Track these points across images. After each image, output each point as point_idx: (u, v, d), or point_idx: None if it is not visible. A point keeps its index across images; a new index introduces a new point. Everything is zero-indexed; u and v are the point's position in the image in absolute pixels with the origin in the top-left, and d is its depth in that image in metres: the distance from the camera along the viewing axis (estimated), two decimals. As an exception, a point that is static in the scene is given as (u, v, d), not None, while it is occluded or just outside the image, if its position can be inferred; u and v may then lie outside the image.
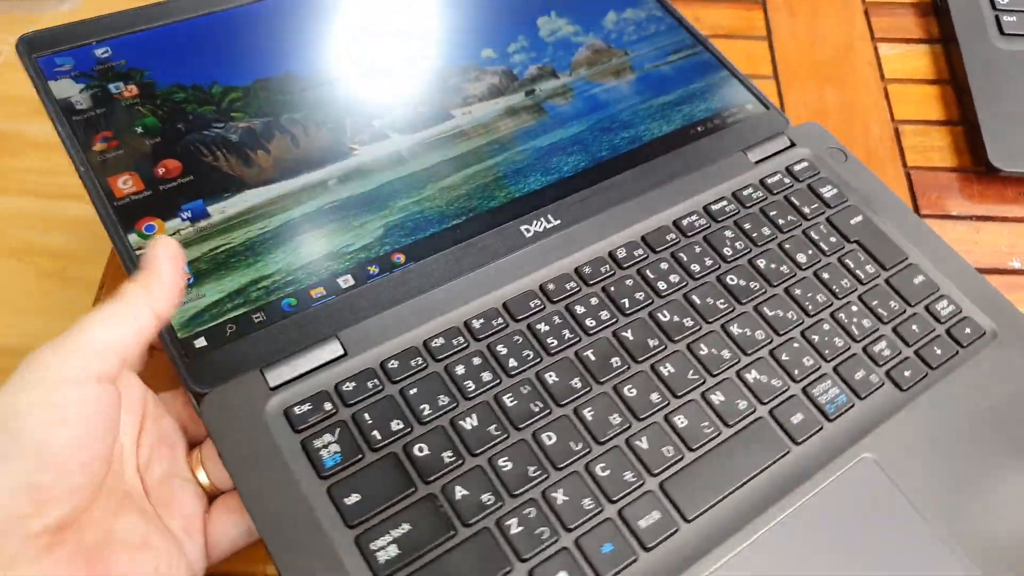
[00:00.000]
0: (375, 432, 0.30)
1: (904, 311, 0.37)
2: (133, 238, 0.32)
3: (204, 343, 0.31)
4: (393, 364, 0.32)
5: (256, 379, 0.31)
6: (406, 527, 0.28)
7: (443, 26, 0.41)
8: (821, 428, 0.33)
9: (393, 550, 0.27)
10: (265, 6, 0.38)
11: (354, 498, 0.28)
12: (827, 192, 0.40)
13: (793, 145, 0.42)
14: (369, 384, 0.31)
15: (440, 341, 0.33)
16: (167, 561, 0.27)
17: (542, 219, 0.37)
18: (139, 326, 0.27)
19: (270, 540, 0.27)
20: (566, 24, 0.43)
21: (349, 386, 0.31)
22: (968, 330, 0.36)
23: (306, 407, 0.30)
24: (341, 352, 0.32)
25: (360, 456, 0.29)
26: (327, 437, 0.30)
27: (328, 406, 0.30)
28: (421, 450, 0.30)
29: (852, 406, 0.33)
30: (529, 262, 0.36)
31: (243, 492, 0.28)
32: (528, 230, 0.36)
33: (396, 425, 0.30)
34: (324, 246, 0.34)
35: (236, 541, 0.30)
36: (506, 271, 0.35)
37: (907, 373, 0.35)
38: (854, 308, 0.36)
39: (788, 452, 0.32)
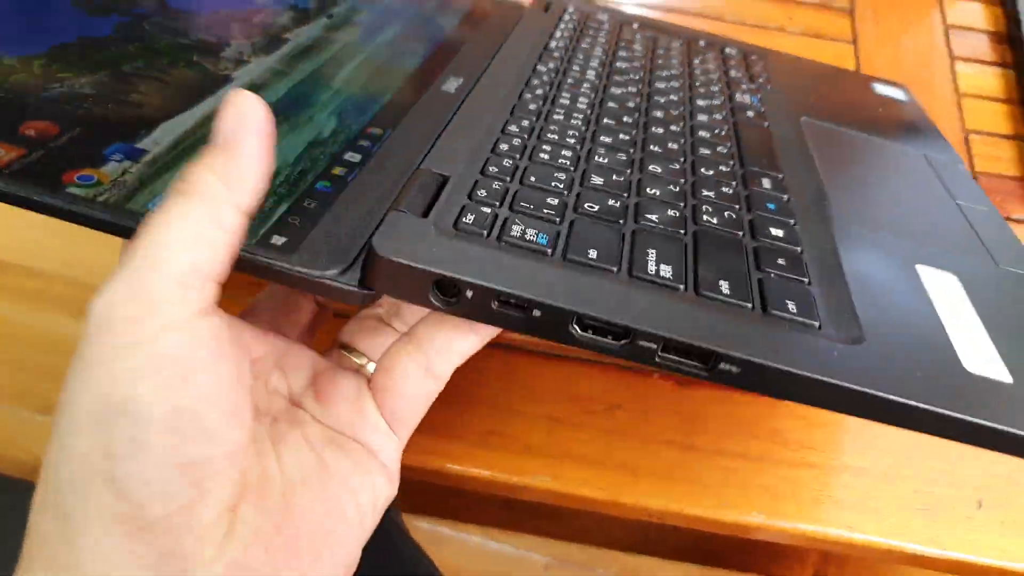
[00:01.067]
0: (547, 199, 0.29)
1: None
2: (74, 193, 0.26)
3: (285, 239, 0.25)
4: (503, 146, 0.32)
5: (403, 222, 0.25)
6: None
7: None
8: (766, 112, 0.41)
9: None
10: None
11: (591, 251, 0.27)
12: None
13: (549, 5, 0.50)
14: (497, 176, 0.30)
15: (513, 127, 0.34)
16: (359, 470, 0.23)
17: (450, 80, 0.39)
18: (226, 235, 0.20)
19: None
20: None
21: (483, 190, 0.28)
22: (754, 55, 0.48)
23: (472, 215, 0.27)
24: (442, 176, 0.29)
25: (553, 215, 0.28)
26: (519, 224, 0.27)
27: (489, 210, 0.27)
28: (595, 189, 0.31)
29: (763, 97, 0.43)
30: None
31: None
32: (449, 88, 0.38)
33: (556, 186, 0.30)
34: (299, 140, 0.32)
35: (420, 389, 0.25)
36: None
37: (761, 79, 0.46)
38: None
39: (771, 132, 0.39)
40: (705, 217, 0.30)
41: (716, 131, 0.38)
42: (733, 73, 0.46)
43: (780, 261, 0.28)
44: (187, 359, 0.19)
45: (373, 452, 0.25)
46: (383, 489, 0.24)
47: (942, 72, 0.54)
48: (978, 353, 0.26)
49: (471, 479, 0.36)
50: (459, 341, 0.26)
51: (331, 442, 0.24)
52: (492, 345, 0.39)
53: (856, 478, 0.36)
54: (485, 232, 0.26)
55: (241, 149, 0.21)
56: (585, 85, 0.40)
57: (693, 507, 0.35)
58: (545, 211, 0.28)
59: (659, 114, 0.39)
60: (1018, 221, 0.47)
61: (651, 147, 0.35)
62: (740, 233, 0.30)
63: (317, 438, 0.24)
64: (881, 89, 0.48)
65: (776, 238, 0.30)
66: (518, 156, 0.32)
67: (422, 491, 0.88)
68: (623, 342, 0.24)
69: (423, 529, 0.86)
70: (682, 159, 0.35)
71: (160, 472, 0.18)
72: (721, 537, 0.81)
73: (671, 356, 0.24)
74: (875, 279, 0.29)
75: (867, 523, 0.35)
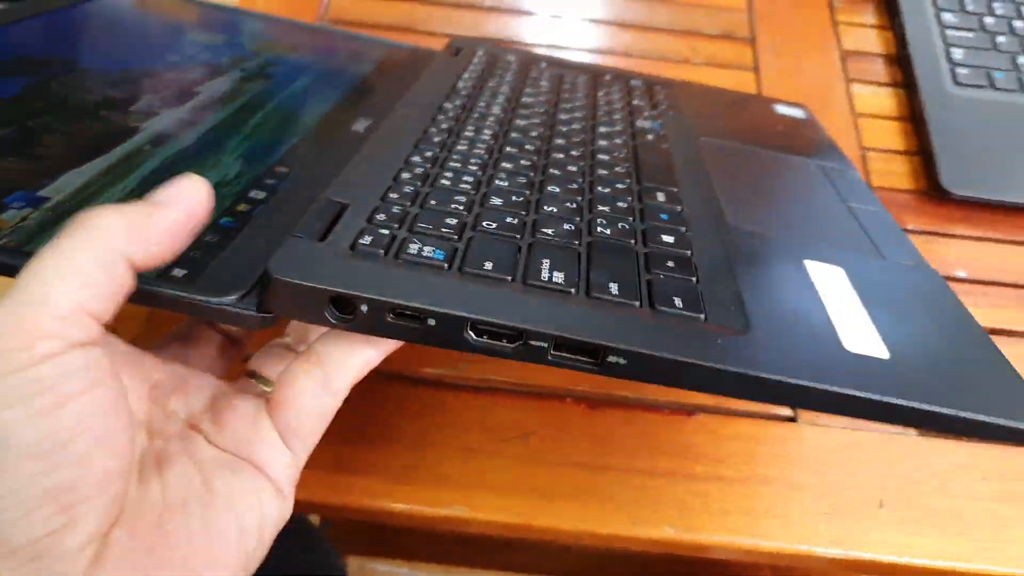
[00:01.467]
0: (445, 219, 0.30)
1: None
2: None
3: (185, 271, 0.26)
4: (405, 175, 0.33)
5: (300, 246, 0.26)
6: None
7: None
8: (666, 135, 0.43)
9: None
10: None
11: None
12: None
13: (459, 51, 0.51)
14: (397, 201, 0.31)
15: (416, 158, 0.35)
16: (246, 490, 0.23)
17: (359, 121, 0.41)
18: (111, 282, 0.20)
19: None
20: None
21: (382, 214, 0.30)
22: (657, 86, 0.51)
23: (369, 237, 0.27)
24: (341, 204, 0.30)
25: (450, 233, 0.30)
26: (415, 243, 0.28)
27: (387, 231, 0.28)
28: (493, 209, 0.32)
29: (663, 122, 0.45)
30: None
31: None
32: (358, 129, 0.40)
33: (455, 208, 0.31)
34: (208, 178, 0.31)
35: (317, 404, 0.25)
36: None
37: (663, 106, 0.48)
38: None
39: (671, 152, 0.42)
40: (599, 229, 0.32)
41: (615, 154, 0.40)
42: (636, 102, 0.48)
43: (669, 263, 0.30)
44: (60, 388, 0.19)
45: (262, 467, 0.25)
46: (272, 508, 0.24)
47: (839, 94, 0.57)
48: (859, 335, 0.28)
49: (392, 514, 0.36)
50: (356, 356, 0.26)
51: (222, 464, 0.24)
52: (408, 381, 0.40)
53: (764, 487, 0.38)
54: (382, 252, 0.27)
55: (164, 214, 0.22)
56: (490, 119, 0.42)
57: (606, 526, 0.36)
58: (443, 230, 0.29)
59: (561, 141, 0.40)
60: (912, 232, 0.49)
61: (551, 171, 0.37)
62: (632, 241, 0.31)
63: (208, 460, 0.24)
64: (782, 109, 0.51)
65: (667, 244, 0.32)
66: (419, 184, 0.33)
67: (374, 532, 0.88)
68: (516, 344, 0.25)
69: (380, 571, 0.86)
70: (581, 179, 0.36)
71: (25, 498, 0.18)
72: (675, 560, 0.82)
73: (563, 354, 0.25)
74: (764, 275, 0.31)
75: (775, 530, 0.37)
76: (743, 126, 0.48)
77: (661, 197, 0.36)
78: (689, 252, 0.31)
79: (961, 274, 0.47)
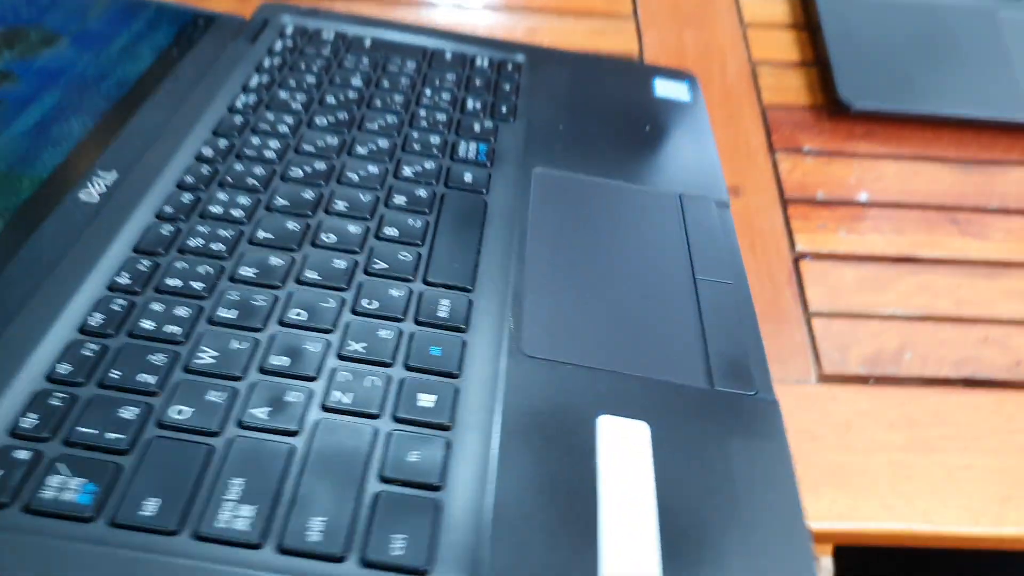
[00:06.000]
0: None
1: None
2: None
3: None
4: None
5: None
6: None
7: None
8: (490, 174, 0.36)
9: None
10: None
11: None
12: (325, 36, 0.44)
13: (265, 23, 0.44)
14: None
15: (98, 318, 0.27)
16: None
17: (95, 179, 0.33)
18: None
19: None
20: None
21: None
22: (509, 66, 0.43)
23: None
24: None
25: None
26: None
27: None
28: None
29: (495, 142, 0.39)
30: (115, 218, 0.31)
31: None
32: (90, 194, 0.32)
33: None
34: None
35: None
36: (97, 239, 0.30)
37: (504, 109, 0.41)
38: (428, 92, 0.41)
39: (486, 202, 0.35)
40: (317, 440, 0.24)
41: (409, 223, 0.33)
42: (472, 103, 0.41)
43: (406, 491, 0.24)
44: None
45: None
46: None
47: (725, 2, 0.51)
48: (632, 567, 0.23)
49: None
50: None
51: None
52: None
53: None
54: None
55: None
56: (256, 174, 0.35)
57: None
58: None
59: (342, 206, 0.33)
60: (809, 153, 0.44)
61: (306, 273, 0.30)
62: (369, 442, 0.25)
63: None
64: (662, 88, 0.43)
65: (412, 465, 0.24)
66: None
67: None
68: None
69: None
70: (343, 284, 0.30)
71: None
72: None
73: None
74: (524, 466, 0.25)
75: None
76: (600, 131, 0.41)
77: (443, 312, 0.30)
78: (438, 494, 0.24)
79: (862, 197, 0.42)
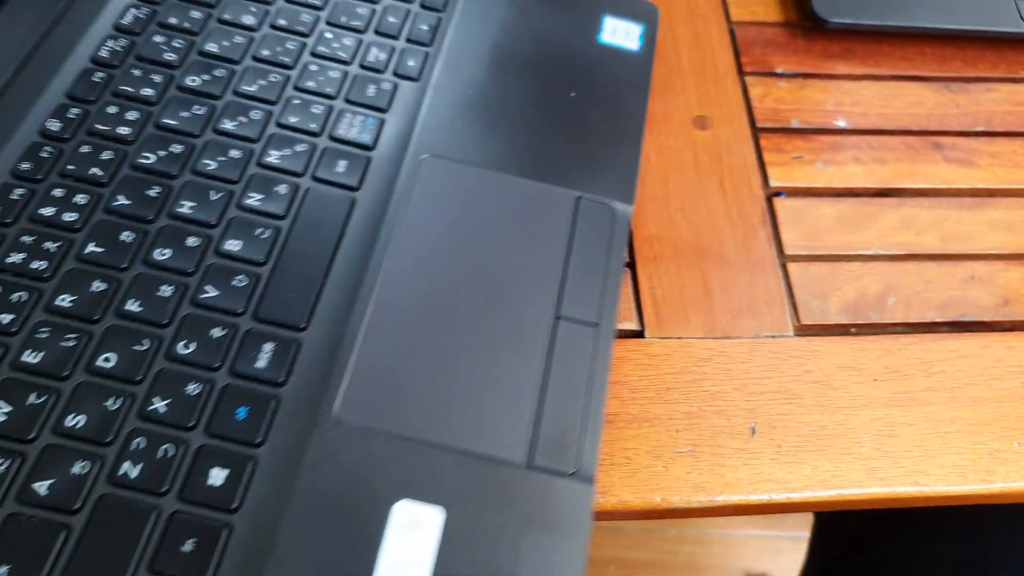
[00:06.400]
0: None
1: (373, 11, 0.36)
2: None
3: None
4: None
5: None
6: None
7: None
8: (370, 160, 0.32)
9: None
10: None
11: None
12: None
13: None
14: None
15: None
16: None
17: None
18: None
19: None
20: None
21: None
22: None
23: None
24: None
25: None
26: None
27: None
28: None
29: (384, 122, 0.33)
30: None
31: None
32: None
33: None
34: None
35: None
36: None
37: (411, 63, 0.35)
38: (328, 36, 0.35)
39: (355, 201, 0.30)
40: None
41: (258, 233, 0.29)
42: (373, 55, 0.35)
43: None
44: None
45: None
46: None
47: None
48: None
49: None
50: None
51: None
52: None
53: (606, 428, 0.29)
54: None
55: None
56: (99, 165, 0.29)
57: None
58: None
59: (186, 209, 0.29)
60: (782, 76, 0.40)
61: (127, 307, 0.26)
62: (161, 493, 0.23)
63: None
64: (611, 31, 0.37)
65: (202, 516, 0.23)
66: None
67: None
68: None
69: None
70: (165, 320, 0.26)
71: None
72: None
73: None
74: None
75: (618, 485, 0.28)
76: (516, 98, 0.35)
77: (262, 362, 0.26)
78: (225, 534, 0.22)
79: (840, 124, 0.38)
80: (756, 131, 0.37)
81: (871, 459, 0.29)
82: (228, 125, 0.31)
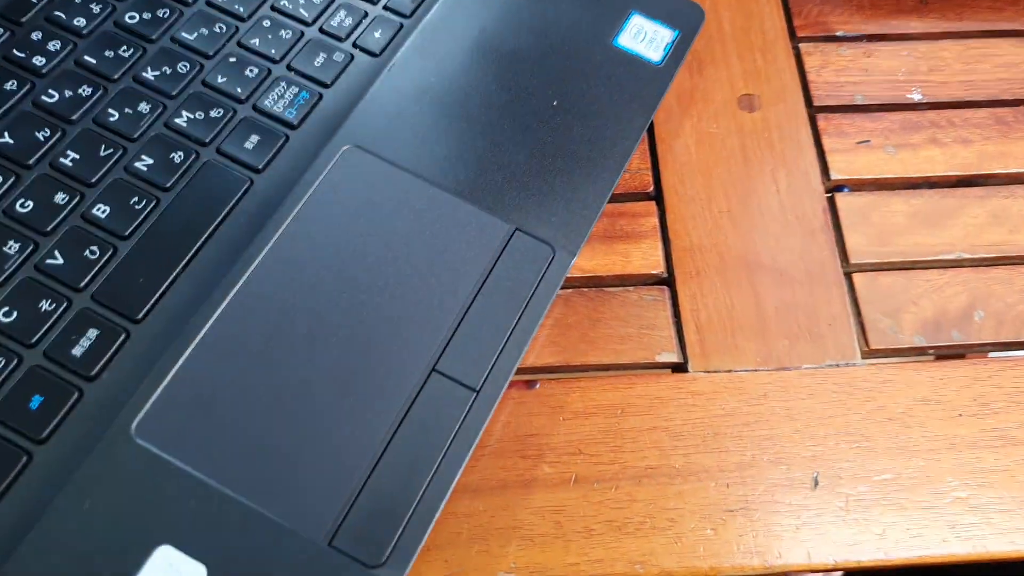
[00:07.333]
0: None
1: None
2: None
3: None
4: None
5: None
6: None
7: None
8: (287, 140, 0.28)
9: None
10: None
11: None
12: None
13: None
14: None
15: None
16: None
17: None
18: None
19: None
20: None
21: None
22: None
23: None
24: None
25: None
26: None
27: None
28: None
29: (321, 98, 0.29)
30: None
31: None
32: None
33: None
34: None
35: None
36: None
37: (377, 34, 0.30)
38: None
39: (252, 185, 0.26)
40: None
41: (112, 220, 0.25)
42: (339, 18, 0.30)
43: None
44: None
45: None
46: None
47: None
48: None
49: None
50: None
51: None
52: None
53: (644, 489, 0.25)
54: None
55: None
56: None
57: None
58: None
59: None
60: (843, 39, 0.34)
61: None
62: None
63: None
64: (632, 35, 0.31)
65: None
66: None
67: None
68: None
69: None
70: None
71: None
72: None
73: None
74: None
75: (662, 551, 0.25)
76: (485, 95, 0.29)
77: (79, 349, 0.23)
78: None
79: (915, 97, 0.33)
80: (813, 111, 0.32)
81: (956, 514, 0.25)
82: (149, 74, 0.28)
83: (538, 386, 0.27)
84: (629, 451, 0.26)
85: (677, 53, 0.31)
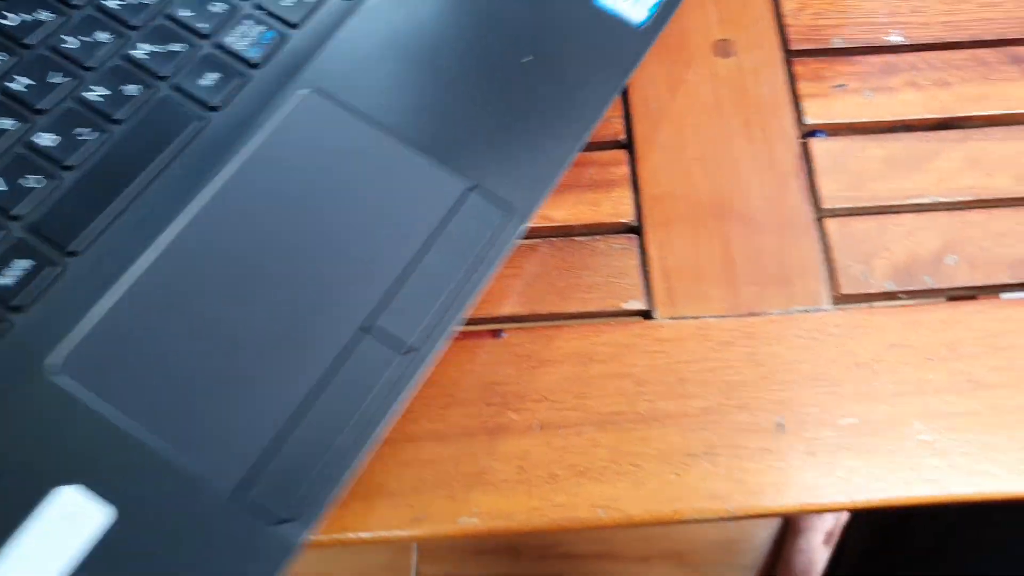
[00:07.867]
0: None
1: None
2: None
3: None
4: None
5: None
6: None
7: None
8: (248, 80, 0.27)
9: None
10: None
11: None
12: None
13: None
14: None
15: None
16: None
17: None
18: None
19: None
20: None
21: None
22: None
23: None
24: None
25: None
26: None
27: None
28: None
29: (286, 39, 0.28)
30: None
31: None
32: None
33: None
34: None
35: None
36: None
37: None
38: None
39: (207, 123, 0.26)
40: None
41: (58, 150, 0.25)
42: None
43: None
44: None
45: None
46: None
47: None
48: None
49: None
50: None
51: None
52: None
53: (607, 434, 0.25)
54: None
55: None
56: None
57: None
58: None
59: None
60: None
61: None
62: None
63: None
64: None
65: None
66: None
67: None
68: None
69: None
70: None
71: None
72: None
73: None
74: None
75: (627, 496, 0.25)
76: (457, 43, 0.28)
77: (9, 279, 0.23)
78: None
79: (895, 39, 0.32)
80: (789, 55, 0.31)
81: (922, 456, 0.25)
82: (112, 2, 0.27)
83: (504, 335, 0.27)
84: (594, 397, 0.26)
85: (662, 15, 0.30)
